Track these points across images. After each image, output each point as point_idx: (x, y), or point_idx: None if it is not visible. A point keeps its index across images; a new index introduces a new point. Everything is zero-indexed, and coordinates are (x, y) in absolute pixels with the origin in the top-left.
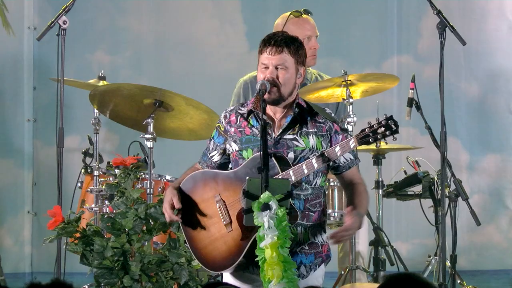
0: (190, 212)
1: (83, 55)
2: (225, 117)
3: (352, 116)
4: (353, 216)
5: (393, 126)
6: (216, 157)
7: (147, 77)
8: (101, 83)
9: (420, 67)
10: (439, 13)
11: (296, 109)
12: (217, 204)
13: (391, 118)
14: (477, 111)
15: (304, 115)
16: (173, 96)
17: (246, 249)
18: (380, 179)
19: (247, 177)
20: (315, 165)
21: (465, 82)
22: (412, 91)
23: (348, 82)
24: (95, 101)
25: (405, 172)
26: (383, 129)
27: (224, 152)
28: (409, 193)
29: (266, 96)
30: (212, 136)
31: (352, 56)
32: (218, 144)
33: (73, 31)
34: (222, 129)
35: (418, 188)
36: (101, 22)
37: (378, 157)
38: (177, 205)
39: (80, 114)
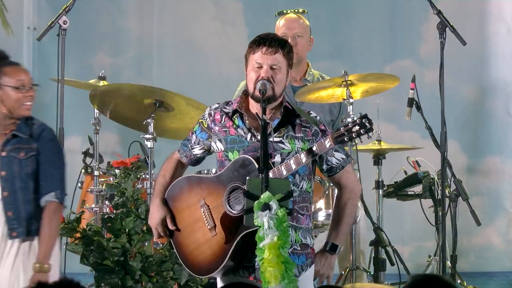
0: (176, 219)
1: (85, 57)
2: (210, 114)
3: (352, 116)
4: (322, 260)
5: (367, 124)
6: (197, 151)
7: (148, 79)
8: (101, 83)
9: (422, 72)
10: (439, 13)
11: (284, 111)
12: (202, 209)
13: (365, 116)
14: (476, 114)
15: (290, 118)
16: (173, 96)
17: (230, 252)
18: (380, 179)
19: (247, 178)
20: (294, 165)
21: (464, 85)
22: (413, 91)
23: (349, 82)
24: (96, 101)
25: (405, 172)
26: (357, 127)
27: (207, 149)
28: (409, 193)
29: (259, 94)
30: (194, 130)
31: (354, 59)
32: (201, 140)
33: (75, 33)
34: (205, 125)
35: (418, 188)
36: (103, 24)
37: (378, 157)
38: (171, 226)
39: (81, 115)
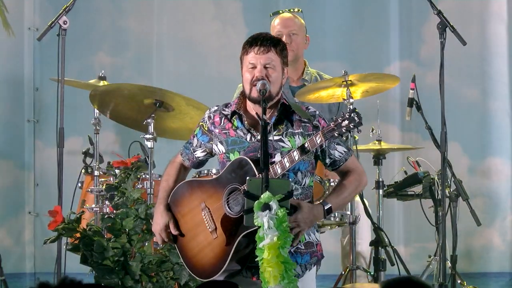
0: (179, 223)
1: (85, 57)
2: (209, 117)
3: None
4: (311, 213)
5: (356, 118)
6: (199, 154)
7: (148, 79)
8: (102, 83)
9: (422, 72)
10: (439, 13)
11: (281, 108)
12: (203, 212)
13: (354, 110)
14: (477, 115)
15: (288, 114)
16: (173, 96)
17: (231, 254)
18: (380, 179)
19: (247, 178)
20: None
21: (464, 86)
22: (413, 91)
23: (349, 82)
24: (96, 101)
25: (405, 172)
26: (346, 122)
27: (209, 152)
28: (409, 193)
29: (256, 95)
30: (195, 133)
31: (354, 60)
32: (203, 143)
33: (75, 33)
34: (206, 128)
35: (418, 188)
36: (103, 24)
37: (378, 157)
38: (174, 231)
39: (81, 115)
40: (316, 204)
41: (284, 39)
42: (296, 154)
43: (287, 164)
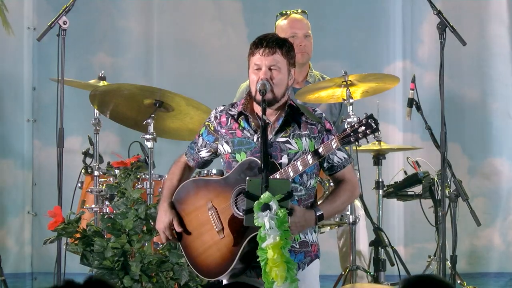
0: (184, 222)
1: (85, 57)
2: (216, 117)
3: (352, 116)
4: (303, 217)
5: (373, 124)
6: (204, 154)
7: (148, 79)
8: (101, 83)
9: (421, 73)
10: (439, 13)
11: (288, 110)
12: (209, 212)
13: (371, 116)
14: (476, 116)
15: (296, 116)
16: (173, 96)
17: (238, 254)
18: (380, 179)
19: (247, 178)
20: (308, 163)
21: (464, 87)
22: (412, 91)
23: (349, 82)
24: (95, 101)
25: (405, 172)
26: (363, 128)
27: (214, 152)
28: (409, 193)
29: (260, 97)
30: (201, 132)
31: (354, 60)
32: (208, 142)
33: (75, 33)
34: (212, 128)
35: (418, 189)
36: (102, 24)
37: (378, 158)
38: (178, 228)
39: (81, 115)
40: (308, 210)
41: (300, 41)
42: (310, 158)
43: (300, 168)
